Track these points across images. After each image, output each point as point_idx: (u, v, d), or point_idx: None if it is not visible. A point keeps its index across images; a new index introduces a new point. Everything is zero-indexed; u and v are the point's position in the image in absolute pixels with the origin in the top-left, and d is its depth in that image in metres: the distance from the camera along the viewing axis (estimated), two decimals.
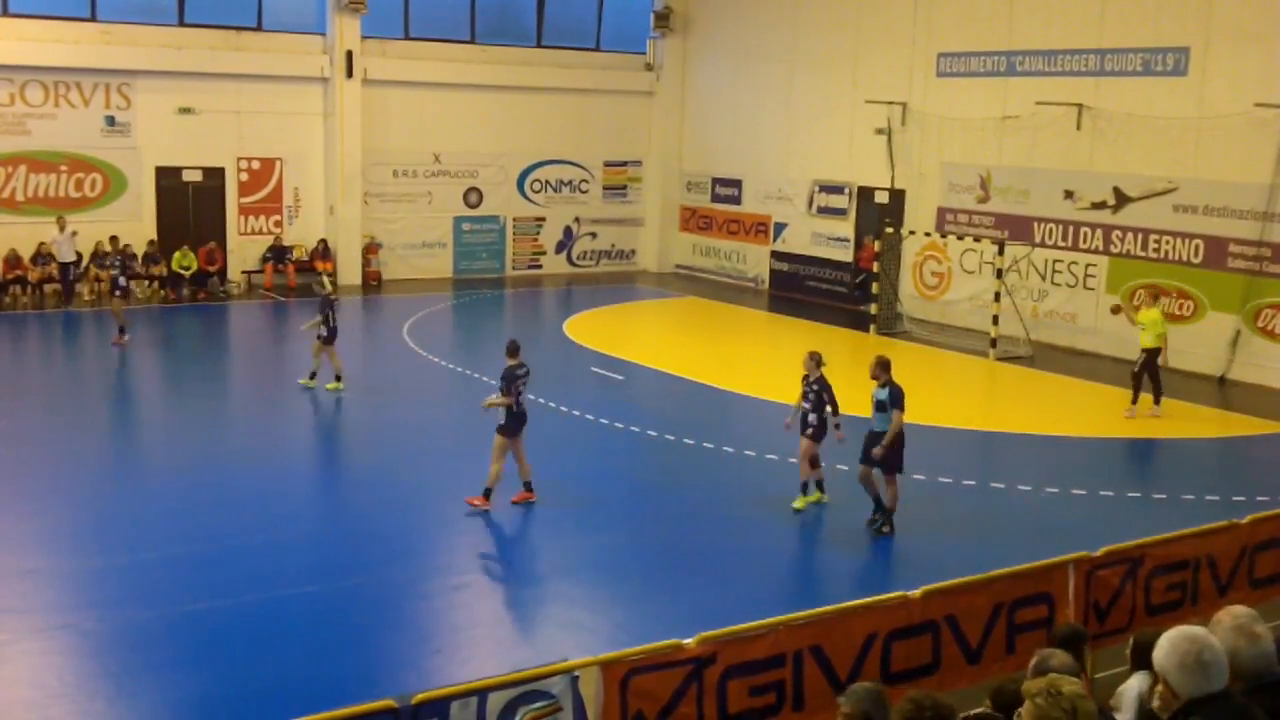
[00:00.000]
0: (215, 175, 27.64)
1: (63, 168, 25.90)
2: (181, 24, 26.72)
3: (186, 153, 27.13)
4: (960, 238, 24.39)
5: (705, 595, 11.02)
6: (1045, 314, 23.58)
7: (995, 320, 22.50)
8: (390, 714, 6.14)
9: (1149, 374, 17.94)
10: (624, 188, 32.74)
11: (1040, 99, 23.28)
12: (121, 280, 21.65)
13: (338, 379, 18.34)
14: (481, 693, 6.39)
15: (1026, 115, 23.68)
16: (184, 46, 26.56)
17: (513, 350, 13.31)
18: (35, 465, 14.52)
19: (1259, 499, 13.50)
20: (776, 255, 29.79)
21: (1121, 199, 22.41)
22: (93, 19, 25.87)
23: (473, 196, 30.57)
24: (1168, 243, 21.76)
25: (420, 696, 6.25)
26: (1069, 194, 23.22)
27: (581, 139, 31.67)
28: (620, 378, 20.20)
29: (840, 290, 28.02)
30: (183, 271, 26.71)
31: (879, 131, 26.55)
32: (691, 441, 16.11)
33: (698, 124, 31.90)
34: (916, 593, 7.90)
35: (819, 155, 28.42)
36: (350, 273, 28.65)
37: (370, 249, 29.04)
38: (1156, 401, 18.07)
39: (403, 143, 29.27)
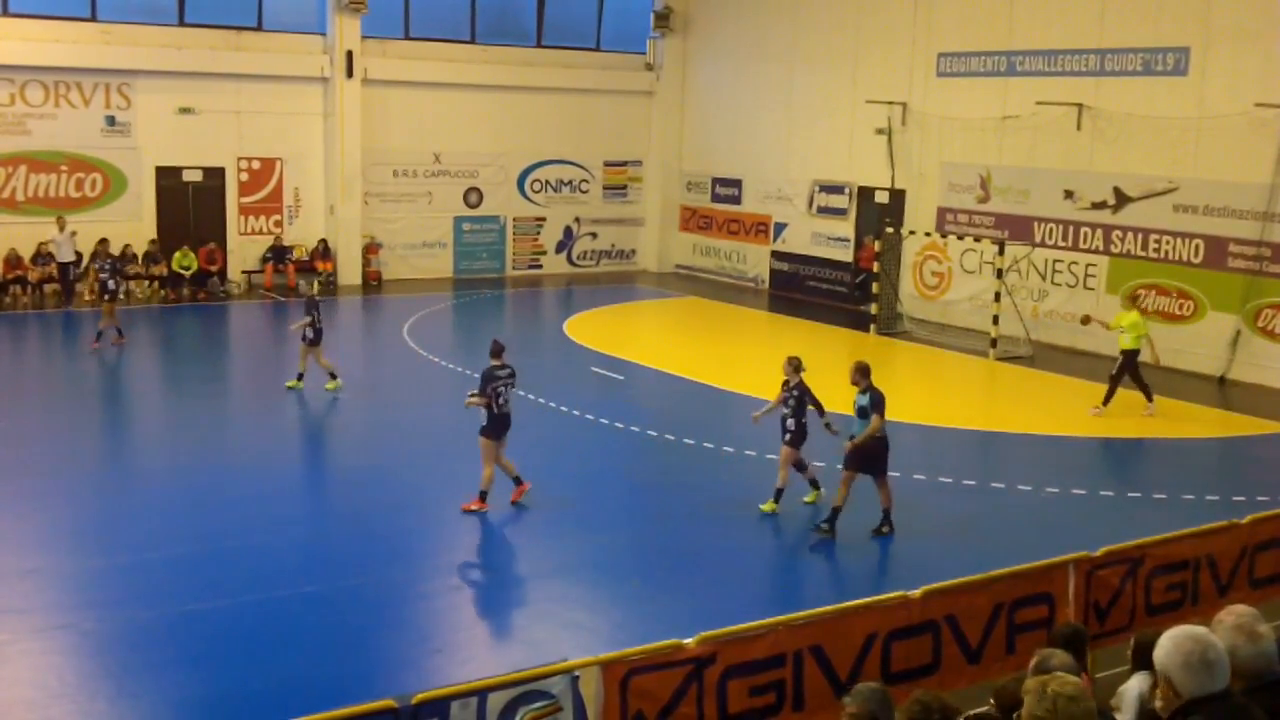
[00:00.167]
0: (215, 175, 27.63)
1: (63, 168, 25.89)
2: (181, 24, 26.71)
3: (187, 153, 27.13)
4: (960, 238, 24.39)
5: (705, 595, 11.02)
6: (1045, 314, 23.59)
7: (995, 320, 22.50)
8: (390, 714, 6.14)
9: (1131, 376, 17.90)
10: (624, 188, 32.74)
11: (1040, 99, 23.28)
12: (111, 284, 21.22)
13: (333, 377, 18.31)
14: (481, 693, 6.39)
15: (1026, 115, 23.68)
16: (184, 46, 26.56)
17: (495, 351, 13.27)
18: (35, 465, 14.50)
19: (1259, 499, 13.50)
20: (777, 255, 29.79)
21: (1122, 199, 22.41)
22: (93, 19, 25.86)
23: (473, 196, 30.57)
24: (1168, 243, 21.76)
25: (420, 696, 6.25)
26: (1069, 194, 23.22)
27: (581, 139, 31.67)
28: (620, 378, 20.20)
29: (840, 290, 28.02)
30: (183, 271, 26.71)
31: (879, 131, 26.55)
32: (691, 441, 16.11)
33: (698, 124, 31.90)
34: (916, 593, 7.89)
35: (819, 155, 28.42)
36: (350, 273, 28.65)
37: (370, 249, 29.04)
38: (1149, 400, 18.02)
39: (403, 143, 29.27)
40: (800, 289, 28.90)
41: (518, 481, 13.31)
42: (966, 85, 24.93)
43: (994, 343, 22.43)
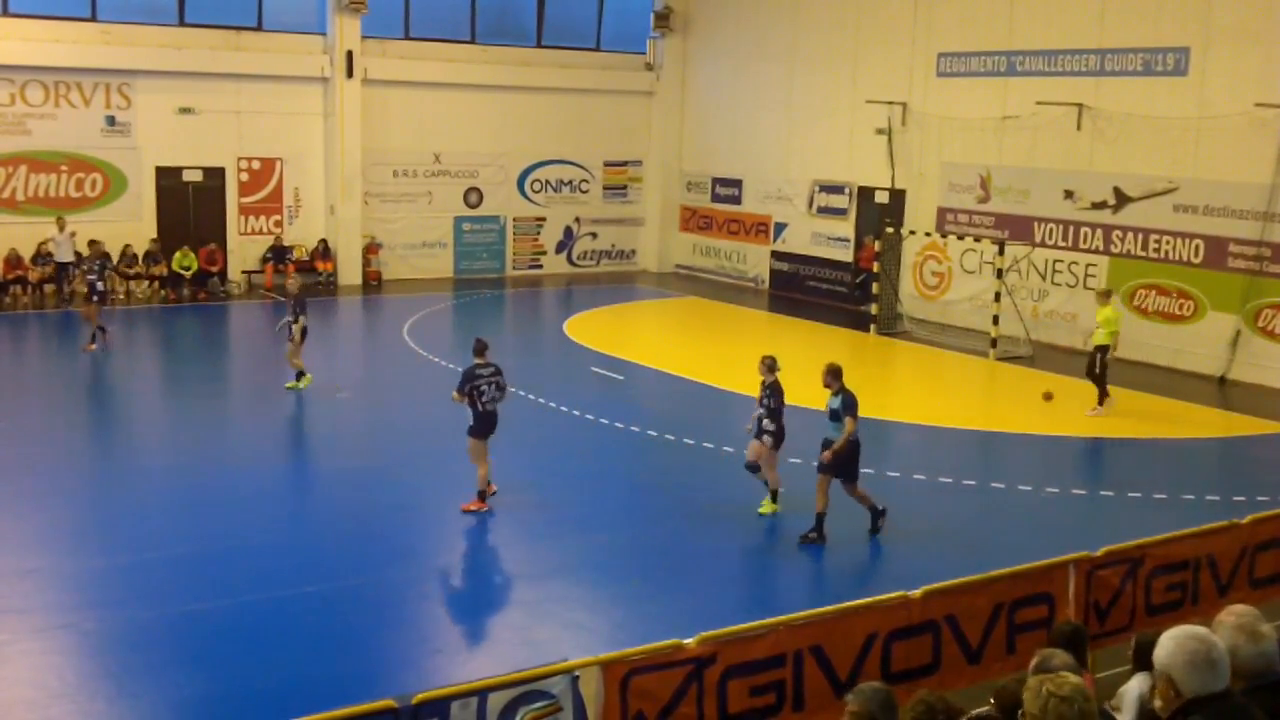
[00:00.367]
0: (215, 175, 27.62)
1: (63, 168, 25.89)
2: (182, 24, 26.70)
3: (187, 153, 27.12)
4: (960, 238, 24.39)
5: (705, 595, 11.02)
6: (1045, 314, 23.59)
7: (995, 320, 22.49)
8: (390, 714, 6.14)
9: (1098, 370, 17.96)
10: (624, 188, 32.74)
11: (1040, 99, 23.28)
12: (100, 285, 20.85)
13: (298, 378, 18.23)
14: (481, 693, 6.39)
15: (1026, 115, 23.68)
16: (184, 46, 26.55)
17: (478, 349, 13.15)
18: (35, 465, 14.50)
19: (1259, 499, 13.50)
20: (777, 255, 29.79)
21: (1122, 199, 22.41)
22: (93, 19, 25.85)
23: (473, 196, 30.56)
24: (1168, 243, 21.76)
25: (420, 696, 6.25)
26: (1069, 194, 23.22)
27: (581, 139, 31.67)
28: (620, 378, 20.19)
29: (841, 290, 28.02)
30: (183, 272, 26.71)
31: (879, 131, 26.55)
32: (691, 441, 16.11)
33: (698, 124, 31.89)
34: (917, 593, 7.89)
35: (819, 155, 28.42)
36: (350, 273, 28.64)
37: (370, 249, 29.04)
38: (1101, 401, 18.04)
39: (403, 143, 29.27)
40: (800, 289, 28.90)
41: (481, 496, 13.05)
42: (966, 85, 24.93)
43: (994, 343, 22.42)
